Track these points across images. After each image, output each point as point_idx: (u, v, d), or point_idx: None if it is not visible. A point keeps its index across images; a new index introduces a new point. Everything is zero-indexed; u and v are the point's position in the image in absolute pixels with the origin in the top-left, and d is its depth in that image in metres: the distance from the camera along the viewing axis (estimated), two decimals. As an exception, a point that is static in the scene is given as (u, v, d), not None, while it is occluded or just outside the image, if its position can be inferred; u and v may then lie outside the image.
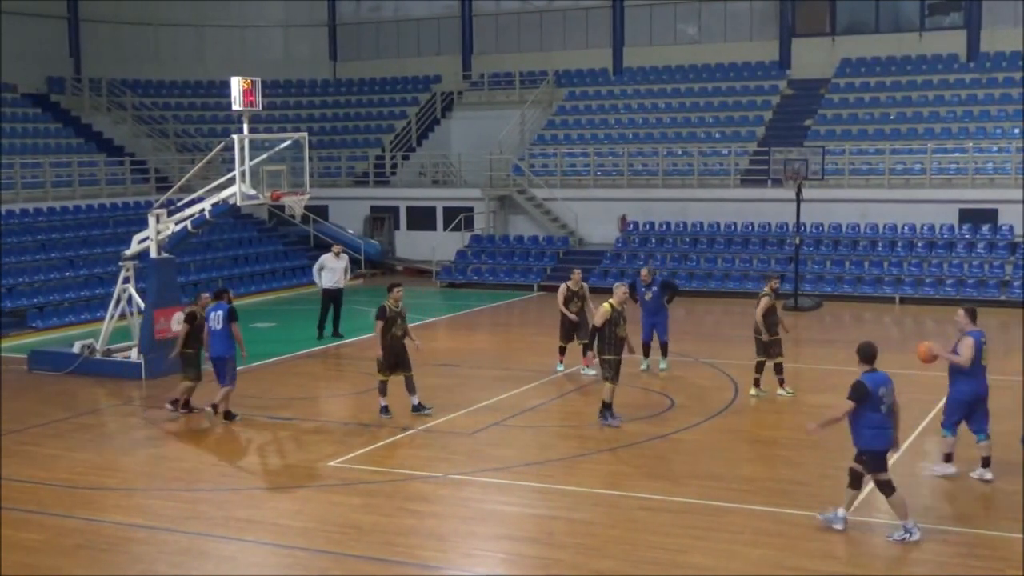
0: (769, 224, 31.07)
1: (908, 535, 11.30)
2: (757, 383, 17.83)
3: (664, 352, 19.77)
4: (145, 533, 12.03)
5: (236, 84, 18.73)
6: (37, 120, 35.52)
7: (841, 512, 11.68)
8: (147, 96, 39.52)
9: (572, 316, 19.35)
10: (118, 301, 20.60)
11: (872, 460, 11.50)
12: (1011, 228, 28.73)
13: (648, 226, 32.45)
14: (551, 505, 12.79)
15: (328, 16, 43.58)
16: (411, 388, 16.55)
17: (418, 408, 16.54)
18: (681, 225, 32.16)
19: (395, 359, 16.35)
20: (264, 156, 19.49)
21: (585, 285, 19.69)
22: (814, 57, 36.48)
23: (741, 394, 17.82)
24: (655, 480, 13.50)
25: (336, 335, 23.41)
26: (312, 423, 16.67)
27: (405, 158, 38.04)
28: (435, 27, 42.23)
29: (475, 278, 32.19)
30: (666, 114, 36.35)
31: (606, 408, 15.96)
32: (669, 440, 15.39)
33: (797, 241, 28.06)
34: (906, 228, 29.89)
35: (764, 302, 17.62)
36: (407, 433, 15.77)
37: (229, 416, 16.60)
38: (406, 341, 16.45)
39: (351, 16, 43.68)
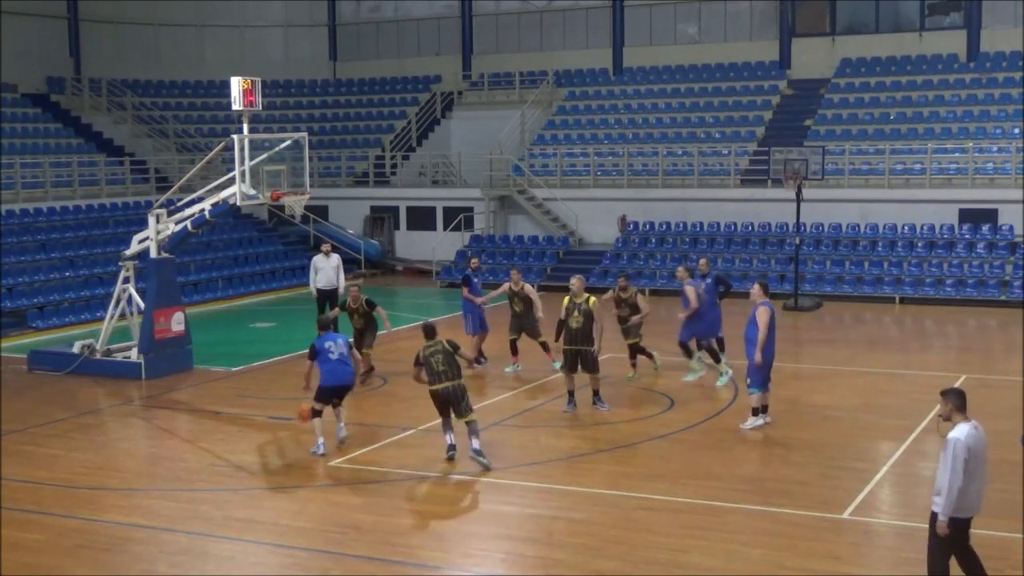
0: (769, 224, 31.07)
1: (316, 450, 14.65)
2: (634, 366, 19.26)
3: (721, 347, 19.84)
4: (145, 533, 12.03)
5: (236, 84, 18.71)
6: (37, 120, 35.52)
7: (321, 440, 14.70)
8: (147, 96, 39.53)
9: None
10: (118, 301, 20.61)
11: (317, 392, 14.86)
12: (1011, 228, 28.71)
13: (648, 226, 32.45)
14: (551, 505, 12.79)
15: (328, 16, 43.59)
16: (472, 431, 14.36)
17: (476, 454, 14.21)
18: (681, 225, 32.16)
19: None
20: (264, 156, 19.49)
21: (526, 285, 20.22)
22: (814, 57, 36.49)
23: (741, 394, 17.80)
24: (655, 480, 13.50)
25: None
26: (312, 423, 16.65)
27: (405, 158, 38.04)
28: (435, 27, 42.24)
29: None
30: (666, 114, 36.36)
31: (569, 395, 17.00)
32: (669, 440, 15.40)
33: (797, 241, 28.06)
34: (906, 228, 29.89)
35: (607, 296, 19.14)
36: (407, 433, 15.77)
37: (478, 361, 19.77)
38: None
39: (351, 16, 43.69)
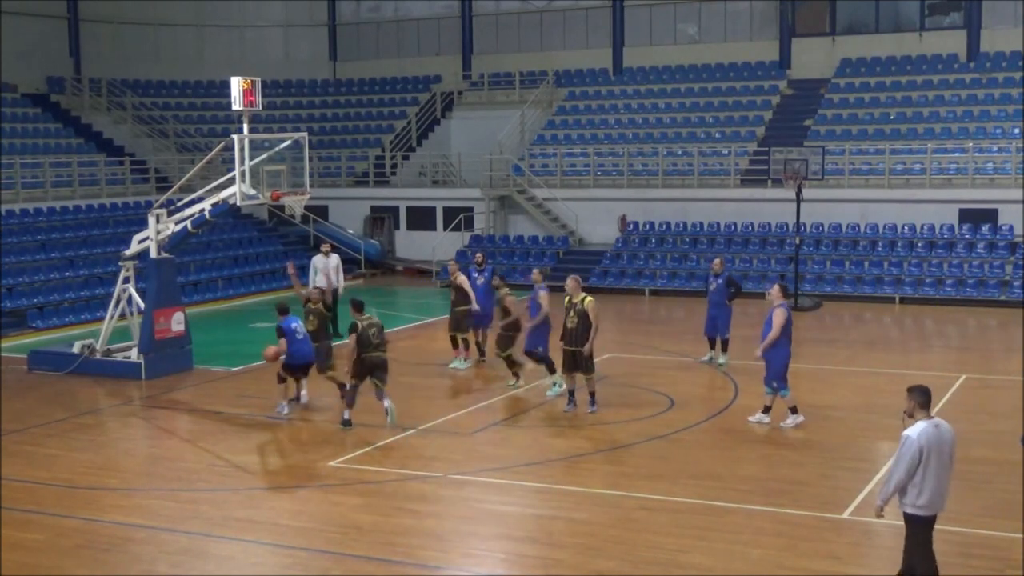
0: (769, 224, 31.07)
1: (280, 410, 16.94)
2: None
3: (724, 348, 20.10)
4: (145, 533, 12.03)
5: (236, 84, 18.69)
6: (37, 120, 35.52)
7: (285, 403, 16.97)
8: (147, 96, 39.52)
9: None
10: (118, 301, 20.60)
11: (284, 368, 16.84)
12: (1011, 228, 28.72)
13: (648, 226, 32.45)
14: (551, 505, 12.79)
15: (328, 16, 43.59)
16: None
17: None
18: (681, 225, 32.17)
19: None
20: (264, 156, 19.47)
21: (460, 275, 20.30)
22: (814, 57, 36.49)
23: (741, 394, 17.82)
24: (655, 480, 13.50)
25: (336, 335, 23.35)
26: (312, 423, 16.67)
27: (405, 158, 38.04)
28: (435, 27, 42.25)
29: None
30: (666, 114, 36.36)
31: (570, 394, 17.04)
32: (669, 440, 15.40)
33: (797, 241, 28.06)
34: (906, 228, 29.89)
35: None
36: (407, 433, 15.78)
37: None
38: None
39: (351, 16, 43.69)
